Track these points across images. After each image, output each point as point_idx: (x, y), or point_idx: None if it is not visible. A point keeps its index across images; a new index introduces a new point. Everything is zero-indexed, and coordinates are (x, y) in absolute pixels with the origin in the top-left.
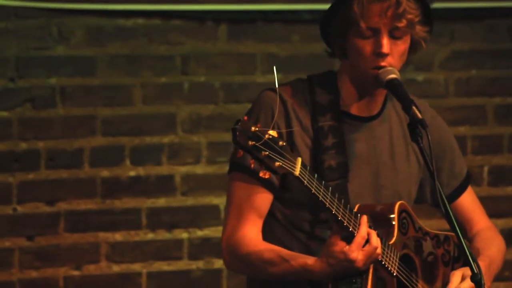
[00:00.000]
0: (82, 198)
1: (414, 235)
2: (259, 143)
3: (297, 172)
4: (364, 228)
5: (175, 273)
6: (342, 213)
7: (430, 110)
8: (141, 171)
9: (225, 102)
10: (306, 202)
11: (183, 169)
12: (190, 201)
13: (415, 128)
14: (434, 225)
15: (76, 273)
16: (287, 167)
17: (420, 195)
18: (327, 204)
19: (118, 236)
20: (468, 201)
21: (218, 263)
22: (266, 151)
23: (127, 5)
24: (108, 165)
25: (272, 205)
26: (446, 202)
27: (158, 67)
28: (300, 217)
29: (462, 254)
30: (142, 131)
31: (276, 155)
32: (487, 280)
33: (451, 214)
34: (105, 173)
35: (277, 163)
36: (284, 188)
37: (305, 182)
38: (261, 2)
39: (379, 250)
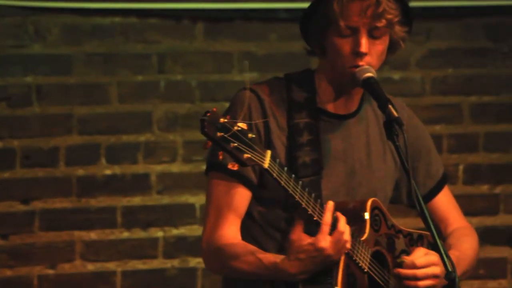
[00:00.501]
0: (58, 196)
1: (386, 232)
2: (228, 135)
3: (266, 164)
4: (328, 215)
5: (150, 271)
6: (312, 207)
7: (407, 110)
8: (117, 169)
9: (202, 101)
10: (283, 201)
11: (159, 167)
12: (165, 199)
13: (391, 126)
14: (409, 223)
15: (50, 272)
16: (256, 159)
17: (396, 196)
18: (296, 197)
19: (93, 235)
20: (444, 201)
21: (193, 262)
22: (235, 143)
23: (103, 3)
24: (83, 163)
25: (249, 203)
26: (422, 201)
27: (134, 65)
28: (276, 216)
29: (436, 253)
30: (118, 130)
31: (245, 147)
32: None
33: (426, 213)
34: (80, 171)
35: (245, 155)
36: (261, 186)
37: (275, 174)
38: (239, 0)
39: (346, 236)
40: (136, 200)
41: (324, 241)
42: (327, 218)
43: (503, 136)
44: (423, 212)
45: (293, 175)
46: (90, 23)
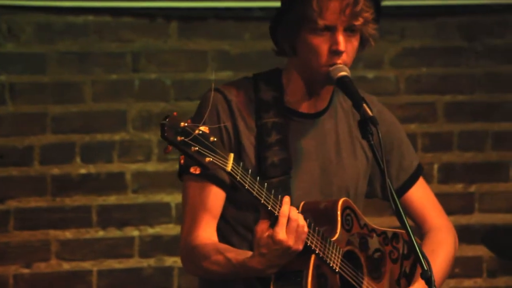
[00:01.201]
0: (32, 195)
1: (359, 232)
2: (188, 139)
3: (228, 167)
4: (285, 207)
5: (126, 270)
6: (279, 209)
7: (378, 105)
8: (91, 168)
9: (176, 100)
10: (253, 202)
11: (134, 166)
12: (141, 198)
13: (366, 125)
14: (384, 222)
15: (26, 271)
16: (218, 163)
17: (370, 190)
18: (262, 200)
19: (68, 234)
20: (419, 195)
21: (169, 261)
22: (196, 147)
23: (77, 2)
24: (58, 162)
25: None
26: (397, 200)
27: (108, 64)
28: (247, 217)
29: (412, 252)
30: (92, 129)
31: (207, 150)
32: None
33: (401, 211)
34: (55, 170)
35: (207, 159)
36: (233, 187)
37: (238, 178)
38: None
39: (301, 222)
40: (111, 199)
41: (282, 232)
42: (284, 210)
43: (478, 134)
44: (399, 211)
45: (258, 178)
46: (63, 21)
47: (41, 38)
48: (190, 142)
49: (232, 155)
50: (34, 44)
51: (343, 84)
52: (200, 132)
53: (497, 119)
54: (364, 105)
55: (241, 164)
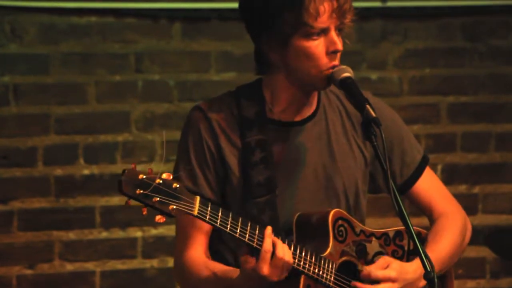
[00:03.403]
0: (36, 196)
1: (354, 240)
2: (148, 190)
3: (195, 212)
4: (267, 241)
5: (129, 271)
6: (258, 239)
7: (375, 101)
8: (95, 169)
9: (180, 101)
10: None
11: (138, 167)
12: None
13: (369, 127)
14: (388, 223)
15: (29, 272)
16: (183, 209)
17: (374, 186)
18: (236, 235)
19: (71, 235)
20: (425, 187)
21: (172, 262)
22: (157, 197)
23: (80, 2)
24: (61, 163)
25: None
26: (400, 202)
27: (112, 65)
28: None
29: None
30: (96, 130)
31: (170, 198)
32: (420, 281)
33: (405, 213)
34: (58, 171)
35: (171, 206)
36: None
37: (207, 219)
38: (216, 0)
39: (287, 258)
40: (115, 200)
41: (265, 268)
42: (267, 245)
43: (481, 136)
44: (402, 212)
45: (230, 214)
46: (67, 22)
47: (45, 39)
48: (150, 193)
49: (198, 198)
50: (37, 45)
51: (346, 86)
52: (161, 181)
53: (500, 120)
54: (367, 106)
55: (209, 205)
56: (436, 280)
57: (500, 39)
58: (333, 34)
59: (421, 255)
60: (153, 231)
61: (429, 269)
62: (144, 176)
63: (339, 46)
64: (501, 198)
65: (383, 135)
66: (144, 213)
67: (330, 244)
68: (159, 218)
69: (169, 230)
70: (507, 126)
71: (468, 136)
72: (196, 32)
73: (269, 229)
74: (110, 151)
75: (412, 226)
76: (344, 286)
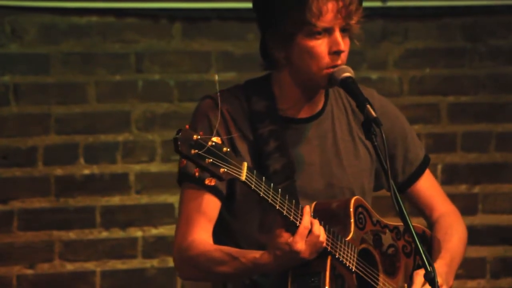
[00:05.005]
0: (36, 196)
1: (372, 229)
2: (202, 151)
3: (243, 177)
4: (306, 218)
5: (130, 271)
6: (294, 213)
7: (379, 99)
8: (95, 169)
9: (180, 100)
10: (250, 211)
11: (138, 167)
12: (144, 199)
13: (370, 126)
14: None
15: (29, 271)
16: (232, 173)
17: (379, 184)
18: (277, 206)
19: (72, 235)
20: (426, 186)
21: (173, 262)
22: (210, 158)
23: (80, 2)
24: (62, 163)
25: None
26: (401, 202)
27: (112, 65)
28: (245, 226)
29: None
30: (96, 129)
31: (221, 161)
32: (450, 278)
33: (405, 213)
34: (59, 171)
35: (222, 169)
36: (229, 198)
37: (253, 186)
38: (216, 0)
39: (322, 238)
40: (115, 200)
41: (300, 243)
42: (306, 221)
43: (481, 135)
44: (402, 212)
45: (271, 184)
46: (67, 22)
47: (45, 38)
48: (204, 154)
49: (245, 163)
50: (37, 45)
51: (347, 86)
52: (213, 143)
53: (500, 120)
54: (368, 106)
55: (255, 172)
56: (436, 280)
57: (500, 39)
58: (337, 34)
59: (421, 255)
60: (154, 231)
61: (429, 269)
62: (199, 137)
63: (342, 46)
64: (501, 198)
65: (383, 135)
66: (196, 174)
67: (352, 229)
68: (209, 180)
69: (170, 230)
70: (507, 126)
71: (468, 136)
72: (196, 32)
73: (307, 207)
74: (110, 151)
75: (412, 226)
76: (364, 272)
